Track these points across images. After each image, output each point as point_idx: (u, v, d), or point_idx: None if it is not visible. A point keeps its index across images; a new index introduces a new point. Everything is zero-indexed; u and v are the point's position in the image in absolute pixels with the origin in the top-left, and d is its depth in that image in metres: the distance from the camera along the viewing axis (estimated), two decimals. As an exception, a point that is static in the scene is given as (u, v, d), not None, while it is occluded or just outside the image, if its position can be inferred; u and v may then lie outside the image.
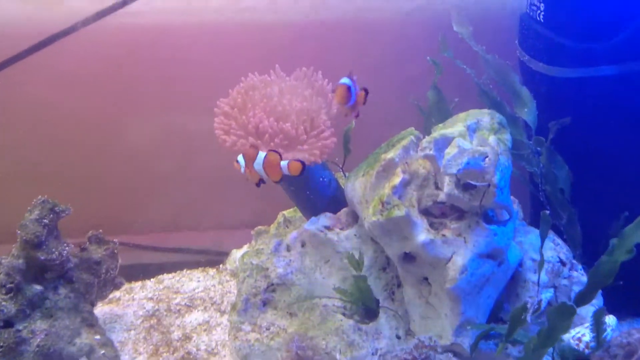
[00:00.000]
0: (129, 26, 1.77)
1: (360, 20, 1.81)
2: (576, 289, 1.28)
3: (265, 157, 1.21)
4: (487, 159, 1.20)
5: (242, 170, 1.23)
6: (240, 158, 1.24)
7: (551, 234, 1.38)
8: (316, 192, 1.45)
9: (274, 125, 1.30)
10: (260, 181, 1.25)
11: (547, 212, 1.14)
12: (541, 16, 1.46)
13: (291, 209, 1.59)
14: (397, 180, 1.26)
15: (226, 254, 1.87)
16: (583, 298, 1.08)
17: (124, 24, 1.77)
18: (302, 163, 1.21)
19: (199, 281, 1.75)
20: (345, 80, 1.19)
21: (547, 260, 1.27)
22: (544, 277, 1.26)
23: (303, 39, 1.80)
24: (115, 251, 1.51)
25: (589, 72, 1.38)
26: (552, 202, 1.40)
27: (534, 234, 1.38)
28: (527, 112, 1.40)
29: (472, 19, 1.56)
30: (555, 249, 1.33)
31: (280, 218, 1.60)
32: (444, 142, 1.27)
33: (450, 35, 1.56)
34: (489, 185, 1.20)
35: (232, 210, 1.95)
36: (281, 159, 1.22)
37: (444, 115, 1.48)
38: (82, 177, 1.88)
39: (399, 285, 1.35)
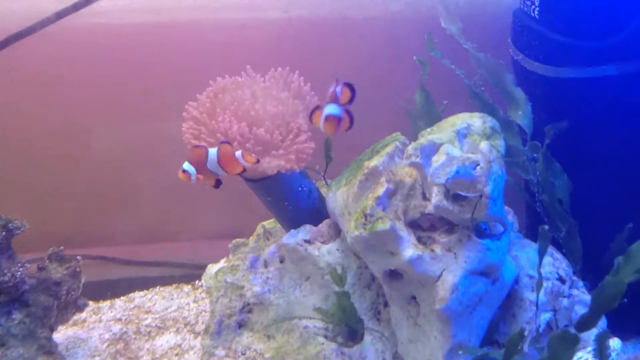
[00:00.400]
0: (97, 26, 1.69)
1: (344, 18, 1.74)
2: (577, 309, 1.19)
3: (217, 151, 1.11)
4: (478, 167, 1.12)
5: (193, 178, 1.11)
6: (186, 166, 1.11)
7: (550, 248, 1.29)
8: (295, 202, 1.36)
9: (245, 130, 1.21)
10: (218, 181, 1.13)
11: (546, 227, 1.04)
12: (536, 12, 1.38)
13: (272, 220, 1.51)
14: (381, 190, 1.18)
15: (203, 268, 1.77)
16: (586, 323, 0.98)
17: (91, 24, 1.68)
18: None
19: (172, 299, 1.66)
20: (332, 109, 1.03)
21: (545, 277, 1.18)
22: (542, 297, 1.16)
23: (282, 38, 1.72)
24: (78, 270, 1.40)
25: (589, 72, 1.31)
26: (550, 214, 1.31)
27: (530, 247, 1.29)
28: (522, 116, 1.31)
29: (461, 15, 1.48)
30: (553, 264, 1.24)
31: (259, 230, 1.52)
32: (432, 149, 1.19)
33: (440, 33, 1.47)
34: (480, 196, 1.11)
35: (210, 220, 1.88)
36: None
37: (433, 119, 1.41)
38: (49, 186, 1.79)
39: (385, 305, 1.27)
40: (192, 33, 1.72)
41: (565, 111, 1.35)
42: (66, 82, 1.71)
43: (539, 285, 1.08)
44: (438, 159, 1.14)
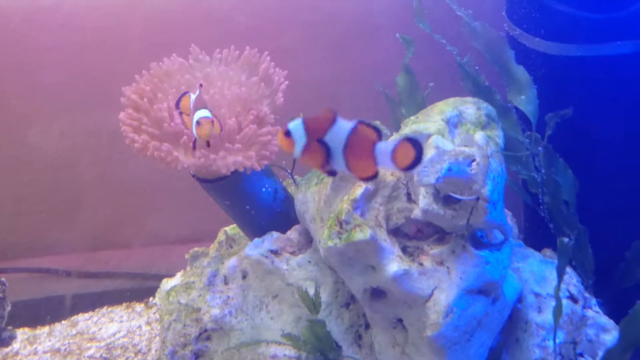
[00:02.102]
0: (33, 5, 1.54)
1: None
2: (593, 334, 1.02)
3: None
4: (474, 163, 0.96)
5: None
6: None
7: (554, 260, 1.12)
8: (258, 206, 1.20)
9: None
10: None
11: (566, 240, 0.87)
12: (536, -21, 1.22)
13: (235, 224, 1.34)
14: (358, 191, 1.02)
15: (159, 279, 1.59)
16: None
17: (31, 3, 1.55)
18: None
19: (121, 322, 1.49)
20: (294, 124, 0.76)
21: (552, 295, 1.01)
22: (551, 320, 0.99)
23: (245, 14, 1.58)
24: (2, 295, 1.19)
25: (600, 50, 1.18)
26: (555, 218, 1.14)
27: (534, 258, 1.15)
28: (526, 101, 1.16)
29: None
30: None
31: (221, 236, 1.37)
32: (417, 141, 1.02)
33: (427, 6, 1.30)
34: (477, 198, 0.95)
35: (168, 223, 1.77)
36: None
37: (417, 105, 1.26)
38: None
39: (367, 327, 1.12)
40: (144, 10, 1.57)
41: (571, 95, 1.22)
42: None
43: (557, 312, 0.90)
44: (426, 154, 0.97)
